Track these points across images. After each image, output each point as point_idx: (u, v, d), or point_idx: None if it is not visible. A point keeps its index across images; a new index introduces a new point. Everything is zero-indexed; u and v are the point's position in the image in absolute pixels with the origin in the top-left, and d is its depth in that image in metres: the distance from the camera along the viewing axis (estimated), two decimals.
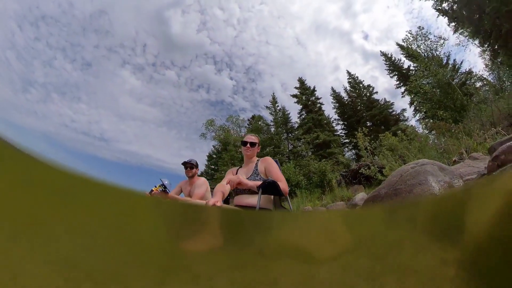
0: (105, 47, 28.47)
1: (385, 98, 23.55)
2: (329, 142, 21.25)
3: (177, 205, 1.31)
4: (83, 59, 27.36)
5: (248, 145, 2.44)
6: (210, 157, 25.60)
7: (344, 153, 22.17)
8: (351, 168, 14.07)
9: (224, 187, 2.05)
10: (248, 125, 26.38)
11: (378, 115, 22.63)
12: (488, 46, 15.28)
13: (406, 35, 19.30)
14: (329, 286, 0.60)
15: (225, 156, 22.38)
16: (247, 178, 2.22)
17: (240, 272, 0.63)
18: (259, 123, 25.84)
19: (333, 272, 0.61)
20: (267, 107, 26.41)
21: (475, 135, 8.27)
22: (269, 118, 26.35)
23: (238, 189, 2.18)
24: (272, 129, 25.56)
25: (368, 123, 22.78)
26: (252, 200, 2.10)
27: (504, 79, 13.80)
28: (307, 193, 13.14)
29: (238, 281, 0.62)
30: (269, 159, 2.41)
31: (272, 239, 0.69)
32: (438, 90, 15.45)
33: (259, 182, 2.02)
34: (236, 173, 2.37)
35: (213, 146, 26.18)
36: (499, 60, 14.49)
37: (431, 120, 14.95)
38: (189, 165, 3.26)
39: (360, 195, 7.71)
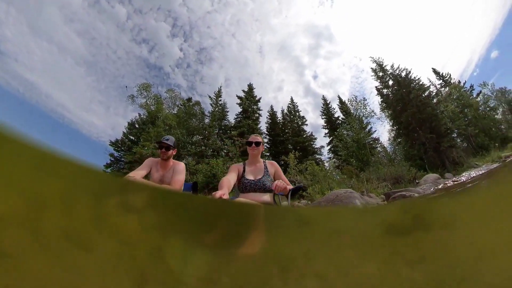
0: None
1: (312, 132, 26.92)
2: None
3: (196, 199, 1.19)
4: None
5: (254, 145, 2.51)
6: (131, 125, 22.63)
7: None
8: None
9: (229, 181, 2.06)
10: (181, 105, 25.02)
11: (302, 143, 25.66)
12: (396, 129, 21.32)
13: (351, 97, 23.91)
14: None
15: (151, 131, 20.26)
16: (259, 179, 2.34)
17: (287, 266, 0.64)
18: (195, 108, 25.07)
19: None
20: (210, 97, 26.01)
21: (372, 183, 11.50)
22: (207, 108, 26.02)
23: (246, 186, 2.27)
24: (207, 120, 25.28)
25: (290, 146, 25.59)
26: (261, 197, 2.23)
27: (397, 153, 19.88)
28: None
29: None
30: (275, 163, 2.56)
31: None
32: (355, 144, 19.43)
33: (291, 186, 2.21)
34: (243, 171, 2.40)
35: (139, 114, 23.33)
36: (399, 140, 20.94)
37: (345, 163, 18.66)
38: (166, 146, 2.65)
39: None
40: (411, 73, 20.08)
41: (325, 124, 27.51)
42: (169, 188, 2.42)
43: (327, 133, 26.87)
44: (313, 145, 26.39)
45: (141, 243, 0.64)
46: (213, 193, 1.71)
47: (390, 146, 22.06)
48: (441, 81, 20.93)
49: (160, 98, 23.79)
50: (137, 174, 2.46)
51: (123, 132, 22.17)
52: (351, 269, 0.61)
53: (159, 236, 0.66)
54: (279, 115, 28.71)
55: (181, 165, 2.73)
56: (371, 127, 22.83)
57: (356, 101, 22.27)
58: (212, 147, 23.08)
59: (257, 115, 26.42)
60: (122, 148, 21.41)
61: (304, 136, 26.37)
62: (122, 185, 0.75)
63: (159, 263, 0.63)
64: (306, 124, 27.60)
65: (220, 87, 26.48)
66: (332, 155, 25.05)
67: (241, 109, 26.09)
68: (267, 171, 2.44)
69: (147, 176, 2.59)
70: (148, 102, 23.03)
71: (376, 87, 22.64)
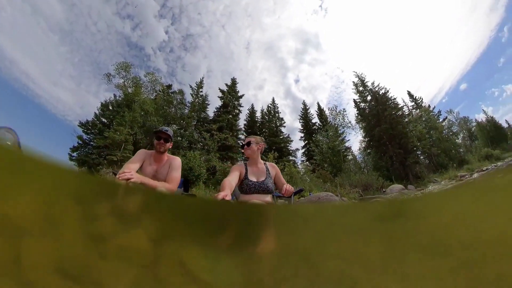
0: None
1: (288, 134, 27.47)
2: (232, 147, 22.59)
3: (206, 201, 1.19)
4: None
5: (245, 145, 2.53)
6: (104, 107, 21.01)
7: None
8: None
9: (231, 183, 2.04)
10: (161, 91, 23.96)
11: (278, 144, 26.11)
12: (367, 141, 22.91)
13: (331, 106, 24.75)
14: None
15: (126, 115, 18.95)
16: (263, 181, 2.36)
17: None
18: (177, 97, 24.28)
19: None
20: (191, 86, 25.37)
21: (345, 188, 12.20)
22: (186, 97, 25.39)
23: (251, 188, 2.28)
24: (186, 110, 24.63)
25: (266, 147, 25.92)
26: (264, 199, 2.29)
27: (366, 163, 21.54)
28: (210, 188, 13.53)
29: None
30: (276, 166, 2.60)
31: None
32: (330, 150, 20.28)
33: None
34: (245, 171, 2.39)
35: (114, 96, 21.75)
36: (369, 151, 22.48)
37: (319, 168, 19.38)
38: (165, 137, 2.41)
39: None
40: (389, 92, 21.57)
41: (302, 128, 28.32)
42: (168, 187, 2.20)
43: (302, 136, 27.71)
44: (289, 147, 26.97)
45: (162, 259, 0.63)
46: (216, 194, 1.70)
47: (359, 155, 23.59)
48: (413, 103, 22.78)
49: (139, 81, 22.39)
50: (131, 168, 2.15)
51: (95, 113, 20.49)
52: (360, 248, 0.73)
53: (179, 246, 0.65)
54: (258, 114, 28.94)
55: (177, 161, 2.44)
56: (345, 136, 23.97)
57: (336, 110, 23.19)
58: (188, 139, 22.51)
59: (237, 111, 26.33)
60: (93, 131, 19.68)
61: (281, 137, 26.88)
62: (126, 191, 0.74)
63: (185, 276, 0.62)
64: (284, 126, 28.16)
65: (203, 77, 25.86)
66: (306, 158, 25.95)
67: (221, 103, 25.82)
68: (269, 173, 2.47)
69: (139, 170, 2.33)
70: (125, 84, 21.53)
71: (354, 100, 23.95)
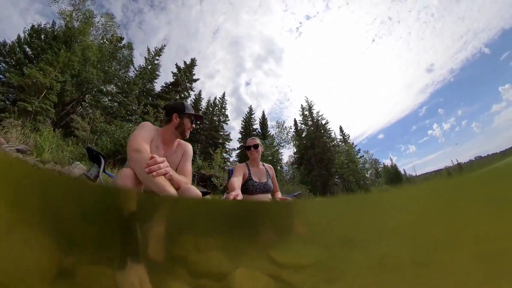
0: None
1: (230, 132, 28.06)
2: None
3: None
4: None
5: (252, 148, 2.58)
6: (35, 33, 16.49)
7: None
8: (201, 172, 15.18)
9: (240, 181, 2.15)
10: (110, 41, 20.57)
11: (218, 139, 26.28)
12: (298, 157, 25.96)
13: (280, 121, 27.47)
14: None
15: (62, 55, 15.11)
16: (265, 182, 2.50)
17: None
18: (125, 52, 21.45)
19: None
20: (149, 49, 23.09)
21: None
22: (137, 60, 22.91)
23: (256, 188, 2.41)
24: (132, 74, 22.14)
25: (203, 137, 25.71)
26: (267, 198, 2.45)
27: (293, 176, 23.81)
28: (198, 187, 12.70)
29: None
30: (272, 167, 2.75)
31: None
32: (263, 157, 22.41)
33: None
34: (249, 172, 2.50)
35: (53, 24, 17.27)
36: (296, 166, 25.35)
37: None
38: (200, 123, 1.72)
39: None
40: (328, 123, 25.30)
41: (242, 130, 29.39)
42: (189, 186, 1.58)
43: (240, 138, 28.68)
44: (226, 146, 27.37)
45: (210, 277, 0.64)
46: (227, 195, 1.74)
47: (286, 168, 26.01)
48: (342, 137, 27.33)
49: (93, 18, 18.45)
50: (147, 151, 1.49)
51: (19, 36, 16.05)
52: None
53: (228, 263, 0.64)
54: (203, 103, 28.44)
55: (190, 148, 1.96)
56: (278, 148, 26.18)
57: (283, 125, 25.21)
58: (127, 108, 20.08)
59: (187, 93, 25.28)
60: (8, 61, 15.20)
61: (221, 133, 27.12)
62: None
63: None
64: (227, 123, 28.57)
65: (164, 45, 23.71)
66: (238, 159, 26.83)
67: (173, 80, 24.34)
68: (269, 175, 2.62)
69: None
70: (74, 15, 17.36)
71: (295, 119, 27.05)
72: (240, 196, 1.66)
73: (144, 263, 0.64)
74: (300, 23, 45.04)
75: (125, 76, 21.73)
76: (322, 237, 0.68)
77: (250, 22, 45.34)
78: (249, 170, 2.53)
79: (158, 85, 24.18)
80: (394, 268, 0.61)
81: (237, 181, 2.11)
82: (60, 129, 13.84)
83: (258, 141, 2.66)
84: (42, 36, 16.65)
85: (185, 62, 25.22)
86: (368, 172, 26.28)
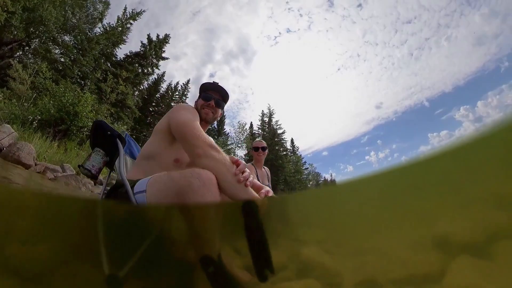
0: None
1: None
2: (128, 108, 19.93)
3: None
4: None
5: (260, 150, 2.57)
6: None
7: None
8: None
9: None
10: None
11: None
12: (248, 161, 28.59)
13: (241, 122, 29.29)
14: None
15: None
16: (267, 184, 2.50)
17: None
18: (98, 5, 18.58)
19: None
20: (125, 9, 20.46)
21: None
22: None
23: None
24: (97, 29, 19.34)
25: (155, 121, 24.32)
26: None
27: None
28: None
29: None
30: (269, 171, 2.72)
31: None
32: None
33: None
34: (256, 174, 2.49)
35: None
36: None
37: None
38: (220, 98, 1.62)
39: None
40: (285, 133, 27.79)
41: None
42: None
43: None
44: None
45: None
46: (260, 193, 1.27)
47: None
48: (292, 148, 30.16)
49: None
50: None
51: None
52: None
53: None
54: (164, 85, 26.70)
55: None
56: (235, 147, 27.18)
57: (243, 126, 26.27)
58: (81, 69, 17.33)
59: (151, 69, 23.33)
60: None
61: None
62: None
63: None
64: None
65: (143, 10, 21.30)
66: None
67: (140, 51, 22.13)
68: (269, 177, 2.71)
69: None
70: None
71: (252, 122, 29.01)
72: (271, 192, 1.34)
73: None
74: (280, 33, 46.83)
75: (88, 31, 18.75)
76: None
77: (232, 15, 44.61)
78: (256, 171, 2.55)
79: (121, 53, 21.65)
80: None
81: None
82: None
83: (265, 143, 2.69)
84: None
85: (158, 36, 23.19)
86: (310, 183, 30.06)
